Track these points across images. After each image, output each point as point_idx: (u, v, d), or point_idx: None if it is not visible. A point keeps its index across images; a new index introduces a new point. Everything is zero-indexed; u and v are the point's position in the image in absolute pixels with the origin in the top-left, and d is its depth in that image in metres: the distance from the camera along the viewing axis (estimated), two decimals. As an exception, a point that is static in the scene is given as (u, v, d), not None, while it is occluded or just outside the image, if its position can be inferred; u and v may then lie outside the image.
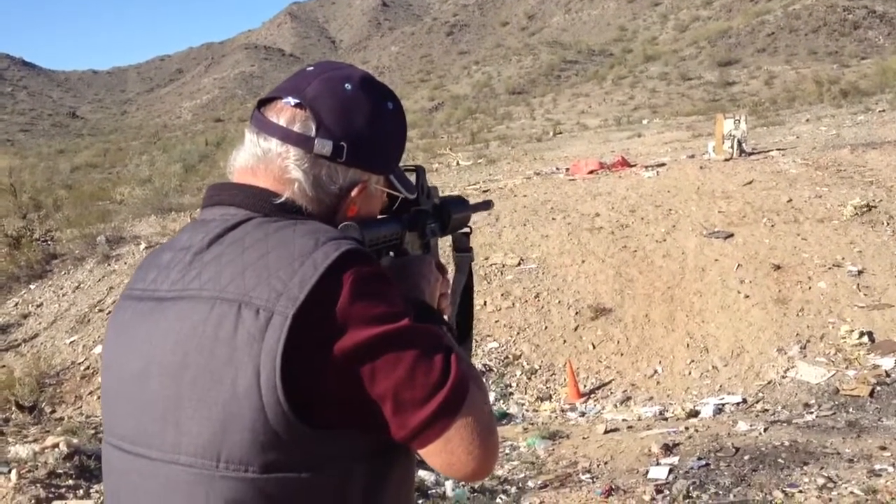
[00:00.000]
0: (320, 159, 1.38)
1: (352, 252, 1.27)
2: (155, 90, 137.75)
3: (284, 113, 1.40)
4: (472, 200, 1.89)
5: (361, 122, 1.41)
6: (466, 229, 1.86)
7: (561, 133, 30.62)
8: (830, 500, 6.09)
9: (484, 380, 1.43)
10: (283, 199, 1.37)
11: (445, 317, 1.66)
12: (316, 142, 1.37)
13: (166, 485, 1.28)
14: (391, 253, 1.60)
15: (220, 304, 1.25)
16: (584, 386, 10.05)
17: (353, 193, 1.41)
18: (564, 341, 10.83)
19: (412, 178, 1.64)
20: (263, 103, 1.45)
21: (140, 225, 17.19)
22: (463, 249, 1.85)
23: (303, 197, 1.38)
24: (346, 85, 1.42)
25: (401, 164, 1.55)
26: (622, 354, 10.47)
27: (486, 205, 2.10)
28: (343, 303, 1.22)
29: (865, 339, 9.64)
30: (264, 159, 1.40)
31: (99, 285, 14.00)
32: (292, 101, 1.40)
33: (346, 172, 1.40)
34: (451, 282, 1.70)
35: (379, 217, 1.56)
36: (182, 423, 1.26)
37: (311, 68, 1.47)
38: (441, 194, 1.77)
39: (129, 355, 1.36)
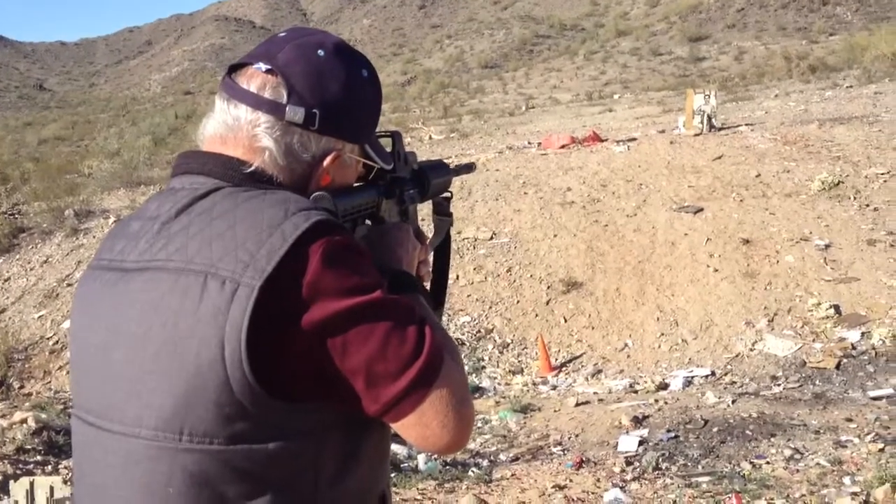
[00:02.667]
0: (292, 127, 1.35)
1: (322, 223, 1.25)
2: (124, 62, 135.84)
3: (255, 79, 1.37)
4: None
5: (335, 89, 1.38)
6: (447, 194, 1.84)
7: (533, 107, 30.60)
8: (797, 470, 6.19)
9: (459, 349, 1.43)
10: (253, 167, 1.35)
11: (426, 285, 1.65)
12: (287, 108, 1.34)
13: (127, 459, 1.27)
14: (367, 221, 1.58)
15: (186, 276, 1.23)
16: (556, 359, 10.11)
17: (326, 162, 1.39)
18: (536, 315, 10.88)
19: (388, 144, 1.61)
20: (234, 69, 1.42)
21: (109, 198, 16.99)
22: (443, 213, 1.83)
23: (274, 166, 1.36)
24: (319, 51, 1.39)
25: (376, 131, 1.53)
26: (593, 328, 10.53)
27: (469, 167, 2.06)
28: (312, 274, 1.20)
29: (832, 312, 9.75)
30: (234, 127, 1.37)
31: (67, 259, 13.85)
32: (263, 66, 1.37)
33: (318, 141, 1.38)
34: (430, 249, 1.68)
35: (354, 185, 1.54)
36: (144, 396, 1.24)
37: (284, 34, 1.44)
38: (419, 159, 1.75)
39: (93, 326, 1.34)
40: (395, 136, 1.64)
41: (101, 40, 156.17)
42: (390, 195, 1.61)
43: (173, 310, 1.22)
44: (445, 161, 1.90)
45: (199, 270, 1.22)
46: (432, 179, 1.74)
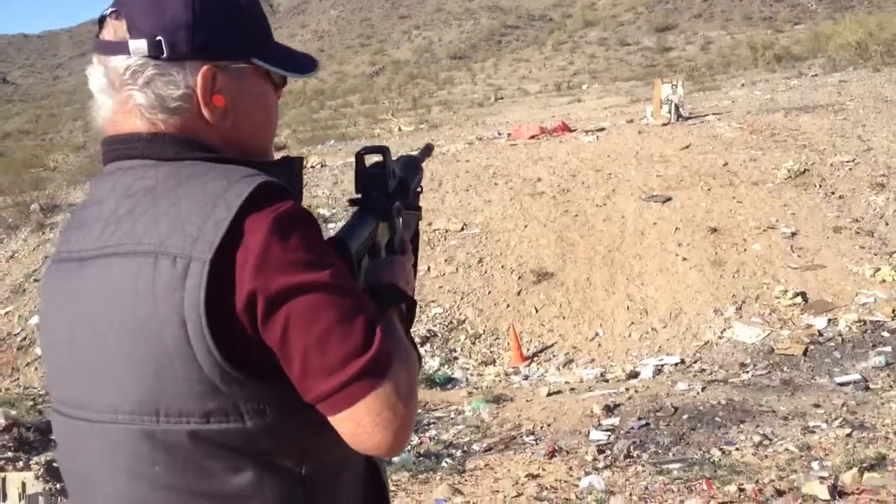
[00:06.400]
0: (153, 72, 1.26)
1: (265, 185, 1.21)
2: (87, 54, 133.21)
3: (108, 28, 1.30)
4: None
5: (174, 7, 1.27)
6: (419, 188, 1.80)
7: (502, 98, 30.64)
8: (766, 456, 6.27)
9: (420, 352, 1.34)
10: (168, 133, 1.28)
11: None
12: (129, 44, 1.25)
13: (108, 445, 1.26)
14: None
15: (137, 258, 1.20)
16: (528, 349, 10.15)
17: (199, 83, 1.28)
18: (508, 305, 10.92)
19: (371, 160, 1.54)
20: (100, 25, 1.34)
21: (75, 192, 16.81)
22: (412, 208, 1.77)
23: (169, 116, 1.28)
24: None
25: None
26: (564, 318, 10.58)
27: (428, 150, 2.04)
28: (261, 245, 1.16)
29: (799, 299, 9.87)
30: (113, 100, 1.30)
31: (34, 254, 13.70)
32: (109, 11, 1.30)
33: (182, 69, 1.27)
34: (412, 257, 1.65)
35: (352, 220, 1.47)
36: (115, 383, 1.23)
37: None
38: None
39: (58, 320, 1.32)
40: (384, 152, 1.56)
41: (65, 32, 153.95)
42: (385, 217, 1.53)
43: (130, 294, 1.19)
44: (412, 153, 1.85)
45: (148, 251, 1.19)
46: (411, 184, 1.68)
